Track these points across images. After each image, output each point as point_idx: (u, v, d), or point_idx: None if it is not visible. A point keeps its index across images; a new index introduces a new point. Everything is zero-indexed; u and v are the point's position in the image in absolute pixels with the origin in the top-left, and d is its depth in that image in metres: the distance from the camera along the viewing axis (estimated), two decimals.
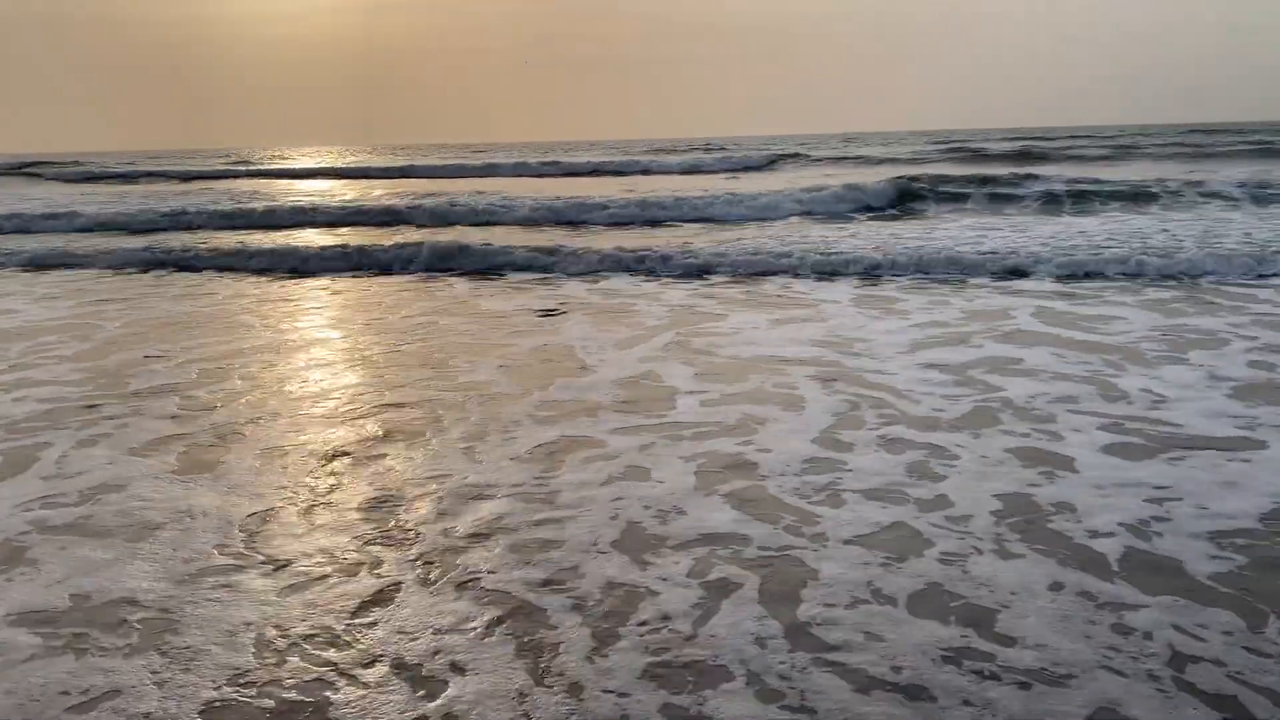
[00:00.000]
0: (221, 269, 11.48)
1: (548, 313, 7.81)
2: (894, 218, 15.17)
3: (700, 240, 11.94)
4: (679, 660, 2.57)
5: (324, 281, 10.32)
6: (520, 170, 29.83)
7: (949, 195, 16.69)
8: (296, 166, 37.16)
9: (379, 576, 3.09)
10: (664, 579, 3.03)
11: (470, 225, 15.31)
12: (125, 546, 3.35)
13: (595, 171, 28.35)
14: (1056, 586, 2.92)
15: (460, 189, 21.58)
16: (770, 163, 29.28)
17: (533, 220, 15.65)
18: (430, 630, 2.75)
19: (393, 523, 3.52)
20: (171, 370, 5.96)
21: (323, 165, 37.94)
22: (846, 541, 3.28)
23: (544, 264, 10.58)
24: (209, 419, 4.86)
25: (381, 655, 2.63)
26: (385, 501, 3.73)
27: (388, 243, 11.90)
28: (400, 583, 3.04)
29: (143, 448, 4.41)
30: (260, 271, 11.20)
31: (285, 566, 3.17)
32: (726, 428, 4.53)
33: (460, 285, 9.69)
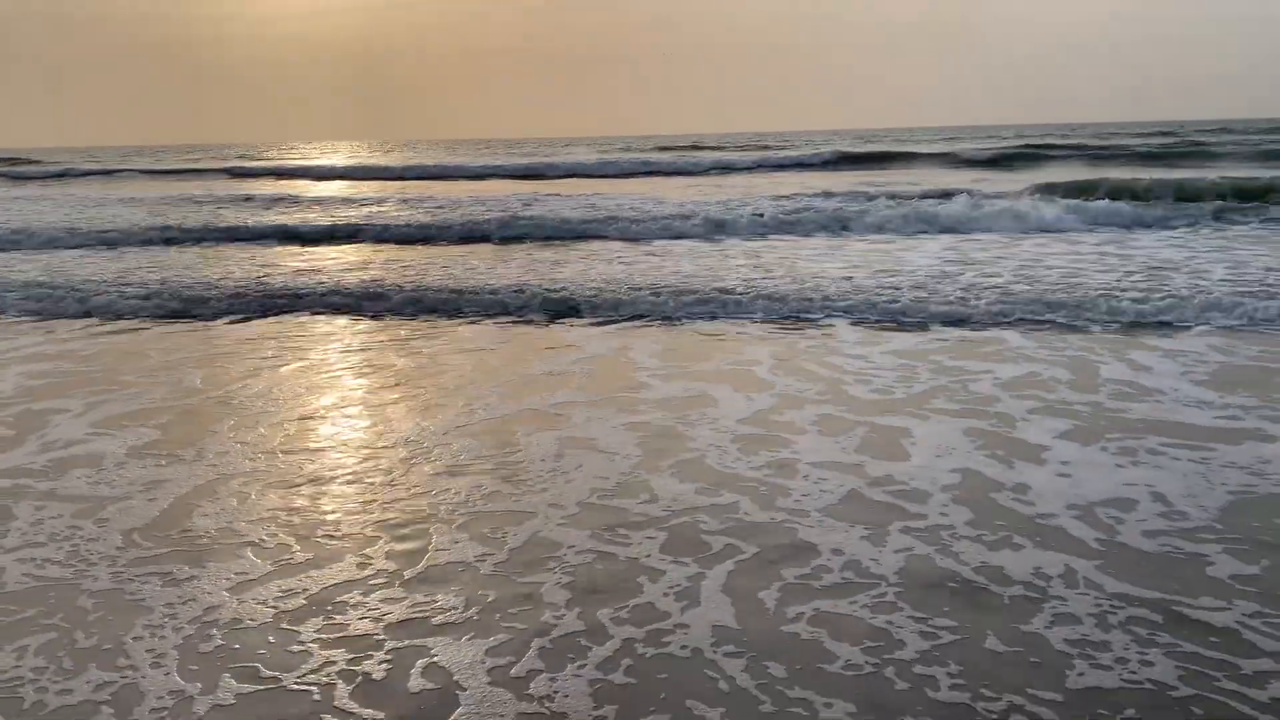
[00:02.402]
0: None
1: None
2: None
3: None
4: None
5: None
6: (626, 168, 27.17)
7: None
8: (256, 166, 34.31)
9: (325, 561, 2.80)
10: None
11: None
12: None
13: (708, 170, 26.05)
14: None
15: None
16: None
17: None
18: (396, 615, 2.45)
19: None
20: None
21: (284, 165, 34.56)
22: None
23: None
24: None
25: (331, 654, 2.33)
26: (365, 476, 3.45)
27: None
28: (371, 568, 2.76)
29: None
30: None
31: (233, 545, 2.91)
32: None
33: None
